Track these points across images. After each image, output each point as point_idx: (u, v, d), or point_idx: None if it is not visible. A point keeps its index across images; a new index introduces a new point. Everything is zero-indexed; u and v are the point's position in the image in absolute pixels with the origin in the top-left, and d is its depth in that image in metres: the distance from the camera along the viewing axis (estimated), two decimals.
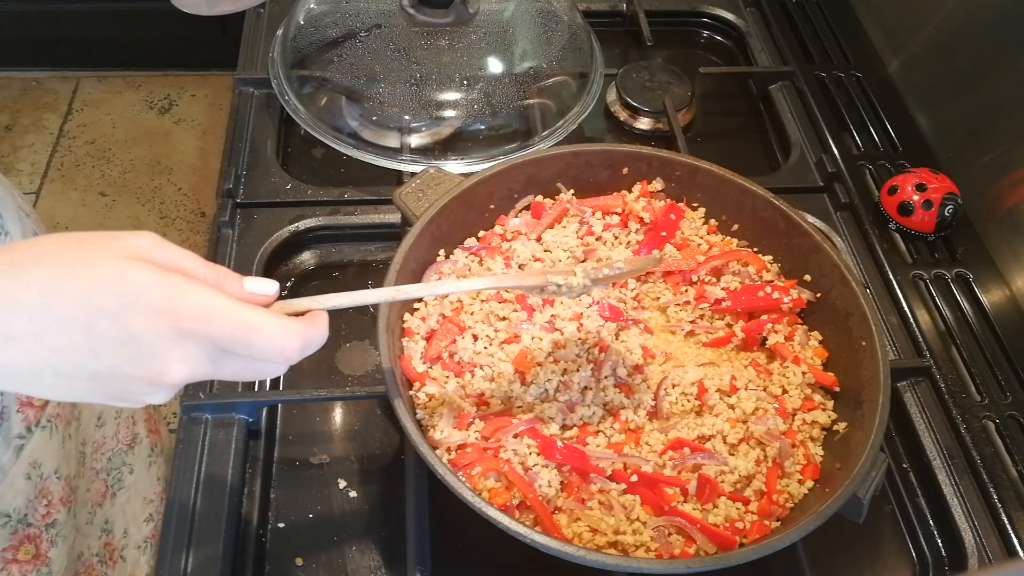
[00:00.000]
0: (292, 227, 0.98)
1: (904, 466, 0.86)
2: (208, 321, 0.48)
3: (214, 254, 0.94)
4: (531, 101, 1.05)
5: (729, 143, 1.19)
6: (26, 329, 0.45)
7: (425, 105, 1.02)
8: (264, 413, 0.84)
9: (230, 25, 2.47)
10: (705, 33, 1.34)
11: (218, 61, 2.49)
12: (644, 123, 1.15)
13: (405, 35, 1.03)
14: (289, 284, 0.97)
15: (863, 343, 0.77)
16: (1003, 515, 0.81)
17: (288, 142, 1.11)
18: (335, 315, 0.93)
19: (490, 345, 0.79)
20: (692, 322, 0.85)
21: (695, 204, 0.92)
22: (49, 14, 2.45)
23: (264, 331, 0.50)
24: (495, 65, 1.05)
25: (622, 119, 1.16)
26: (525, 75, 1.05)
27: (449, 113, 1.03)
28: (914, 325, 0.94)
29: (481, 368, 0.77)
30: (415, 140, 1.03)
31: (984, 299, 0.98)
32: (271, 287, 0.54)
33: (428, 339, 0.80)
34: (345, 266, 0.99)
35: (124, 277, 0.46)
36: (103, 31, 2.54)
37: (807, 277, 0.85)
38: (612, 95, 1.17)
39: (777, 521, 0.72)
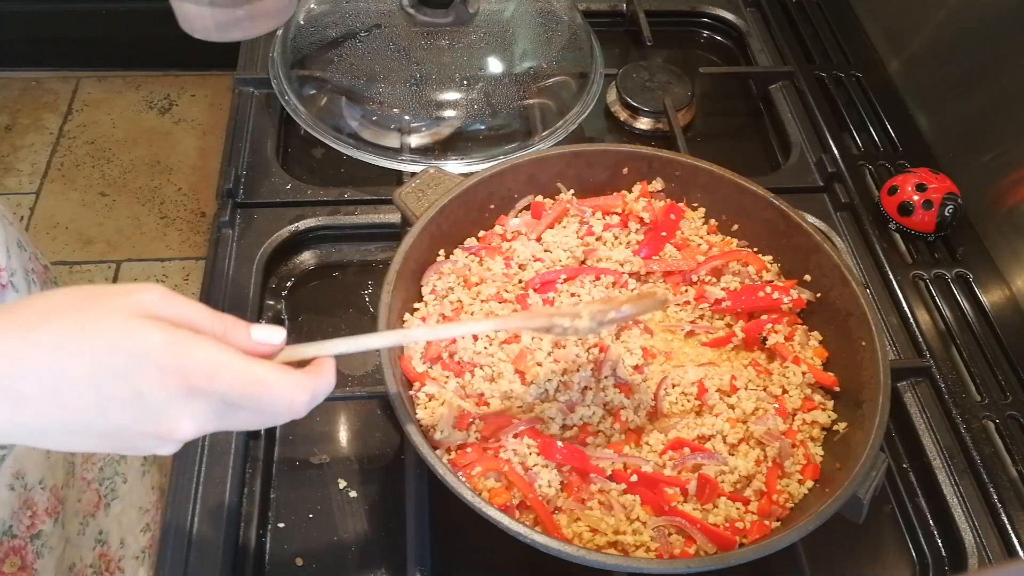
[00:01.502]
0: (292, 227, 0.98)
1: (904, 466, 0.86)
2: (216, 378, 0.48)
3: (214, 254, 0.94)
4: (531, 101, 1.05)
5: (729, 143, 1.19)
6: (36, 390, 0.46)
7: (425, 105, 1.02)
8: None
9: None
10: (705, 33, 1.34)
11: (218, 61, 2.47)
12: (644, 123, 1.15)
13: (405, 35, 1.03)
14: (289, 284, 0.97)
15: (863, 343, 0.77)
16: (1003, 515, 0.81)
17: (288, 142, 1.11)
18: (335, 316, 0.94)
19: (490, 345, 0.79)
20: (692, 322, 0.85)
21: (695, 204, 0.92)
22: (49, 14, 2.45)
23: (273, 386, 0.50)
24: (495, 65, 1.05)
25: (622, 119, 1.16)
26: (525, 75, 1.05)
27: (449, 113, 1.03)
28: (914, 325, 0.94)
29: (481, 368, 0.77)
30: (415, 140, 1.03)
31: (984, 299, 0.98)
32: (278, 335, 0.54)
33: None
34: (345, 266, 0.99)
35: (132, 337, 0.47)
36: (103, 31, 2.54)
37: (807, 277, 0.85)
38: (612, 95, 1.17)
39: (777, 521, 0.72)
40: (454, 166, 1.01)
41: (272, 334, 0.54)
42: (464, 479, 0.68)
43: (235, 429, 0.52)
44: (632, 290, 0.86)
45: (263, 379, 0.50)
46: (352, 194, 1.01)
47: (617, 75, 1.17)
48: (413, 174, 0.92)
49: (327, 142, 1.03)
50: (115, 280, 2.18)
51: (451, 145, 1.03)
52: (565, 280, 0.84)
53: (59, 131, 2.52)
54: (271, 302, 0.94)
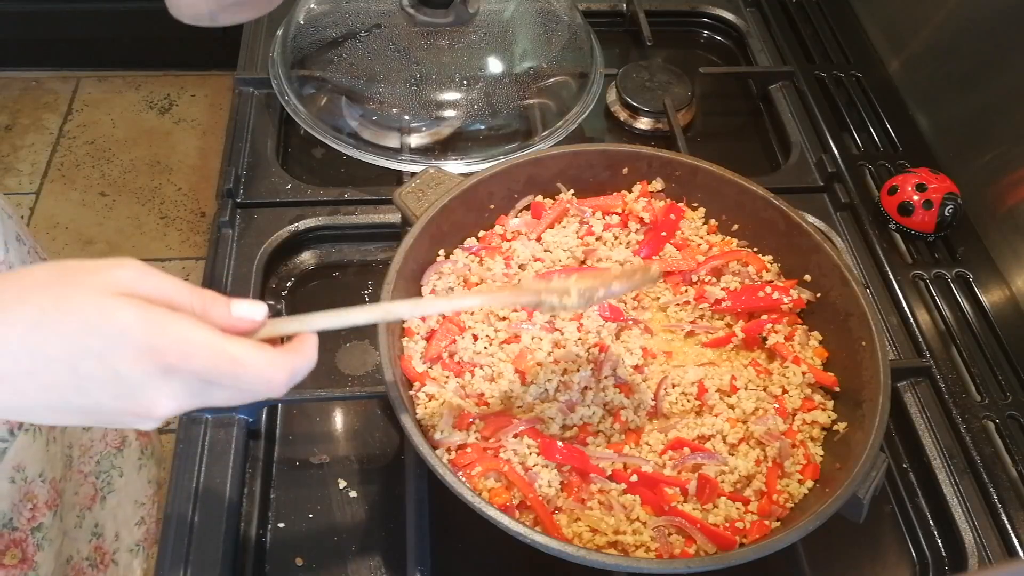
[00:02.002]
0: (292, 227, 0.98)
1: (904, 466, 0.86)
2: (191, 357, 0.48)
3: (214, 254, 0.94)
4: (531, 101, 1.05)
5: (729, 143, 1.19)
6: (13, 369, 0.46)
7: (425, 105, 1.02)
8: (264, 413, 0.84)
9: (230, 26, 2.47)
10: (705, 33, 1.34)
11: (218, 61, 2.49)
12: (644, 123, 1.15)
13: (405, 35, 1.03)
14: (289, 284, 0.97)
15: (863, 343, 0.77)
16: (1003, 515, 0.81)
17: (288, 142, 1.11)
18: None
19: (490, 345, 0.79)
20: (692, 322, 0.85)
21: (695, 204, 0.92)
22: (49, 14, 2.45)
23: (249, 365, 0.50)
24: (495, 65, 1.04)
25: (622, 119, 1.16)
26: (525, 75, 1.05)
27: (449, 113, 1.03)
28: (914, 325, 0.94)
29: (481, 368, 0.77)
30: (415, 140, 1.03)
31: (984, 299, 0.98)
32: (259, 311, 0.53)
33: (428, 339, 0.80)
34: (345, 266, 0.99)
35: (107, 316, 0.46)
36: (103, 31, 2.54)
37: (807, 277, 0.85)
38: (612, 95, 1.17)
39: (777, 521, 0.72)
40: (454, 166, 1.01)
41: (253, 309, 0.53)
42: (464, 479, 0.68)
43: (216, 405, 0.52)
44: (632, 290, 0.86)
45: (239, 358, 0.49)
46: (352, 194, 1.01)
47: (617, 75, 1.17)
48: (413, 174, 0.92)
49: (327, 142, 1.03)
50: None
51: (451, 145, 1.03)
52: None
53: (59, 131, 2.52)
54: (271, 302, 0.94)
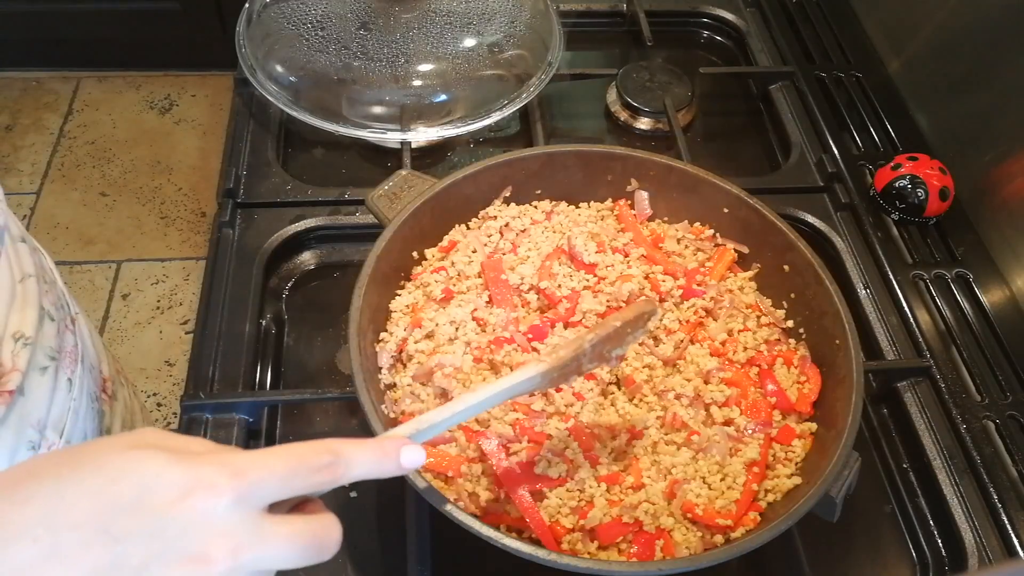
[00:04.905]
0: (292, 227, 0.98)
1: (904, 466, 0.86)
2: (243, 474, 0.42)
3: (214, 254, 0.94)
4: (497, 72, 1.06)
5: (729, 143, 1.19)
6: (31, 555, 0.39)
7: (399, 79, 1.02)
8: (264, 413, 0.84)
9: (230, 25, 2.47)
10: (705, 33, 1.34)
11: (218, 61, 2.49)
12: (644, 123, 1.15)
13: (367, 10, 1.03)
14: (289, 284, 0.97)
15: (836, 341, 0.76)
16: (1003, 515, 0.80)
17: (288, 142, 1.11)
18: (336, 316, 0.93)
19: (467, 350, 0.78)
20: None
21: (666, 219, 0.91)
22: (49, 14, 2.45)
23: (350, 447, 0.49)
24: (459, 39, 1.05)
25: (622, 119, 1.16)
26: (493, 46, 1.05)
27: (422, 83, 1.03)
28: (914, 325, 0.93)
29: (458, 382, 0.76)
30: (388, 111, 1.03)
31: (984, 299, 0.98)
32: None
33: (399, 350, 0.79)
34: (345, 266, 0.99)
35: (135, 464, 0.41)
36: (103, 31, 2.54)
37: (785, 268, 0.83)
38: (612, 95, 1.17)
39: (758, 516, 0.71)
40: (431, 133, 1.03)
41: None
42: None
43: (288, 543, 0.46)
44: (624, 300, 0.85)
45: (337, 448, 0.49)
46: (352, 194, 1.01)
47: (617, 75, 1.17)
48: (392, 169, 0.91)
49: (317, 124, 1.03)
50: (115, 280, 2.18)
51: (426, 114, 1.04)
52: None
53: (59, 131, 2.52)
54: (271, 302, 0.94)
